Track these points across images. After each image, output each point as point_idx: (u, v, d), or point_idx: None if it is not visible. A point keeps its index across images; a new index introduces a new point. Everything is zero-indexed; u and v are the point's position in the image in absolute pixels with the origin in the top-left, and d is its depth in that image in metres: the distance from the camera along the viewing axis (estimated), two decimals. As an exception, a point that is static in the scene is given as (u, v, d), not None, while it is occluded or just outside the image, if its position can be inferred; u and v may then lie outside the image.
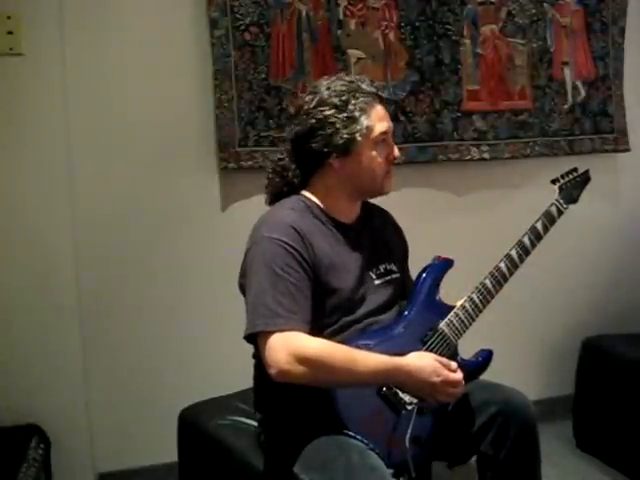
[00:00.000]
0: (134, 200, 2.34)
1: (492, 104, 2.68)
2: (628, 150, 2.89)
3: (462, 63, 2.64)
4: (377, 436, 1.42)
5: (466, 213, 2.70)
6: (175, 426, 1.88)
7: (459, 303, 1.63)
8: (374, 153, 1.55)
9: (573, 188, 1.81)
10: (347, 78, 1.56)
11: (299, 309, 1.41)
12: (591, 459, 2.50)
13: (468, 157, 2.65)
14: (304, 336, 1.39)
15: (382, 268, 1.63)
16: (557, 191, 1.78)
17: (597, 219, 2.86)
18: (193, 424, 1.84)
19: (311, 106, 1.53)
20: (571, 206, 1.79)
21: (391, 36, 2.55)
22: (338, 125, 1.50)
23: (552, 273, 2.77)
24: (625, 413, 2.35)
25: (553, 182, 1.79)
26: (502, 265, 1.66)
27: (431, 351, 1.53)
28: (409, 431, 1.44)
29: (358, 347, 1.43)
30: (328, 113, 1.51)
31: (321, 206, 1.57)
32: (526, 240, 1.69)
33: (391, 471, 1.37)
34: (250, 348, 1.51)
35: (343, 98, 1.51)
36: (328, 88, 1.53)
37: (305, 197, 1.58)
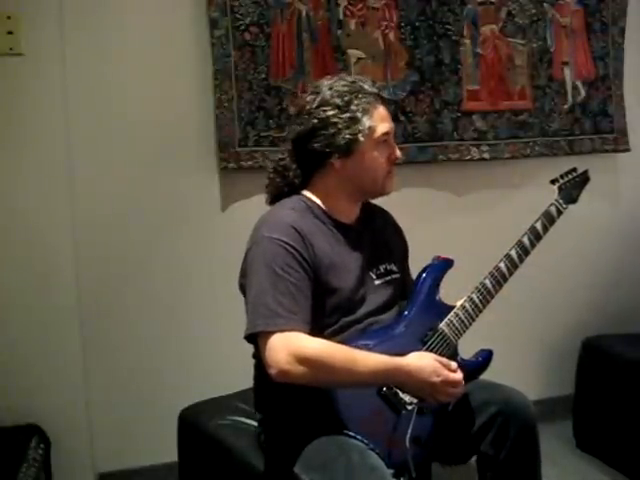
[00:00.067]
0: (134, 200, 2.34)
1: (492, 104, 2.68)
2: (628, 150, 2.89)
3: (462, 63, 2.64)
4: (377, 436, 1.42)
5: (466, 213, 2.70)
6: (175, 426, 1.88)
7: (459, 303, 1.63)
8: (376, 153, 1.55)
9: (572, 188, 1.82)
10: (349, 78, 1.57)
11: (299, 309, 1.41)
12: (591, 459, 2.50)
13: (468, 157, 2.65)
14: (304, 336, 1.39)
15: (382, 268, 1.63)
16: (556, 191, 1.78)
17: (597, 219, 2.86)
18: (193, 424, 1.84)
19: (313, 106, 1.53)
20: (571, 206, 1.79)
21: (391, 36, 2.55)
22: (340, 125, 1.50)
23: (552, 273, 2.78)
24: (625, 413, 2.35)
25: (552, 182, 1.79)
26: (502, 265, 1.66)
27: (431, 351, 1.53)
28: (409, 431, 1.44)
29: (358, 347, 1.43)
30: (331, 113, 1.51)
31: (322, 206, 1.58)
32: (526, 240, 1.69)
33: (391, 471, 1.37)
34: (250, 348, 1.51)
35: (345, 98, 1.51)
36: (330, 88, 1.53)
37: (306, 197, 1.58)
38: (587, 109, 2.82)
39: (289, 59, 2.42)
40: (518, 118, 2.72)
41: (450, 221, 2.67)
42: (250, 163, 2.38)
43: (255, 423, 1.67)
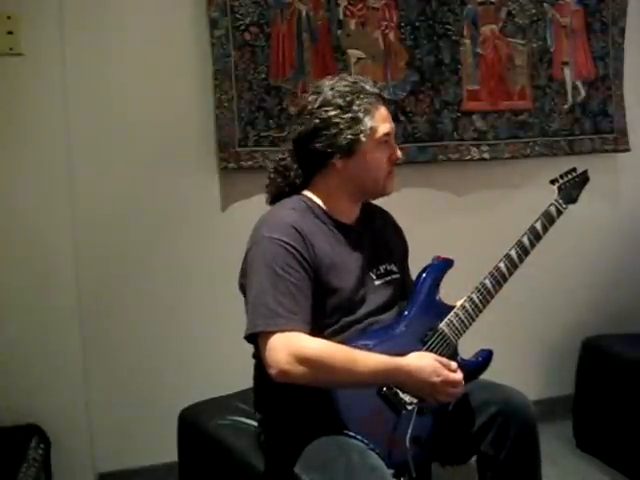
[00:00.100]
0: (134, 200, 2.34)
1: (492, 104, 2.68)
2: (628, 150, 2.89)
3: (462, 63, 2.64)
4: (377, 436, 1.42)
5: (466, 213, 2.70)
6: (175, 426, 1.88)
7: (459, 303, 1.63)
8: (377, 154, 1.55)
9: (572, 188, 1.82)
10: (350, 79, 1.57)
11: (299, 309, 1.41)
12: (591, 459, 2.50)
13: (468, 157, 2.65)
14: (304, 336, 1.39)
15: (382, 268, 1.63)
16: (556, 191, 1.78)
17: (597, 219, 2.86)
18: (193, 424, 1.84)
19: (315, 106, 1.53)
20: (571, 206, 1.79)
21: (391, 36, 2.55)
22: (342, 126, 1.50)
23: (552, 273, 2.78)
24: (625, 413, 2.35)
25: (552, 182, 1.79)
26: (502, 265, 1.66)
27: (431, 351, 1.53)
28: (409, 431, 1.44)
29: (358, 347, 1.43)
30: (332, 113, 1.51)
31: (322, 206, 1.58)
32: (525, 240, 1.69)
33: (391, 471, 1.37)
34: (250, 348, 1.51)
35: (347, 99, 1.51)
36: (332, 88, 1.53)
37: (306, 197, 1.58)
38: (587, 109, 2.82)
39: (289, 59, 2.42)
40: (518, 118, 2.72)
41: (450, 221, 2.67)
42: (250, 163, 2.38)
43: (255, 423, 1.67)
